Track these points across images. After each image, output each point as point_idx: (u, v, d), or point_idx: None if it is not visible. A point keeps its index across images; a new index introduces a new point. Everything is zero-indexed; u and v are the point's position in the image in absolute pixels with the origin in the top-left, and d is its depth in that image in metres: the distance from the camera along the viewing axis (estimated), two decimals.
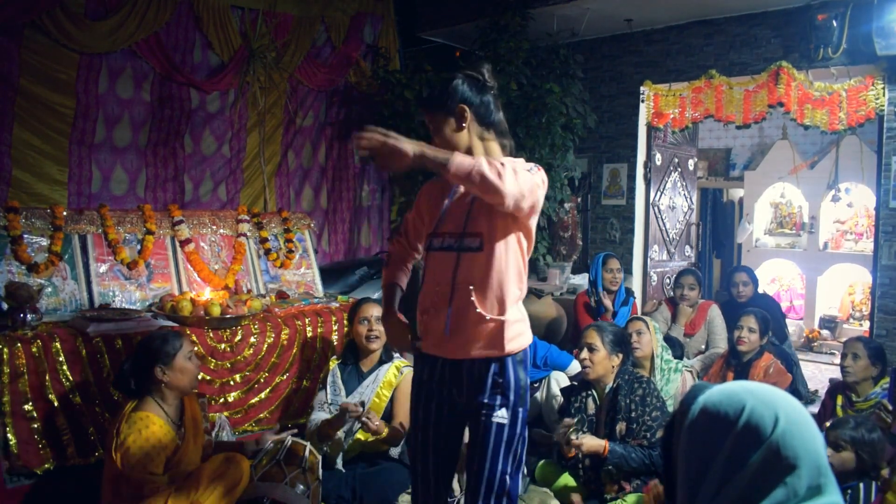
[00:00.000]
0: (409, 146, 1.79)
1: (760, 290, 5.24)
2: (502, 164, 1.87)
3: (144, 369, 2.52)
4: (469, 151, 2.02)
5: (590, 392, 3.04)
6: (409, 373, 3.13)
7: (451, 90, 2.02)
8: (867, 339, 3.76)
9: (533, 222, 2.05)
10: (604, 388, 2.99)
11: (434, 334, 2.04)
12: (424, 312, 2.07)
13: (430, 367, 2.09)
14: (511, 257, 2.00)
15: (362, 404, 2.93)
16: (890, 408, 3.08)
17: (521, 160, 2.03)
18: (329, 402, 3.08)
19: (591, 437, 2.83)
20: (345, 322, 3.70)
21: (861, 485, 2.49)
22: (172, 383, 2.54)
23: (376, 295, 4.75)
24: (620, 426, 2.89)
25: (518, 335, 2.03)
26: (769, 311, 4.20)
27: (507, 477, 2.02)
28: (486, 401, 1.99)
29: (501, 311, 1.98)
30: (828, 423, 2.76)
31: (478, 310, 1.96)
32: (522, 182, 1.88)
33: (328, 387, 3.13)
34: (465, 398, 2.04)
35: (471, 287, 1.96)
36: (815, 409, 3.77)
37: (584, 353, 2.97)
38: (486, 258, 1.97)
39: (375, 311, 3.16)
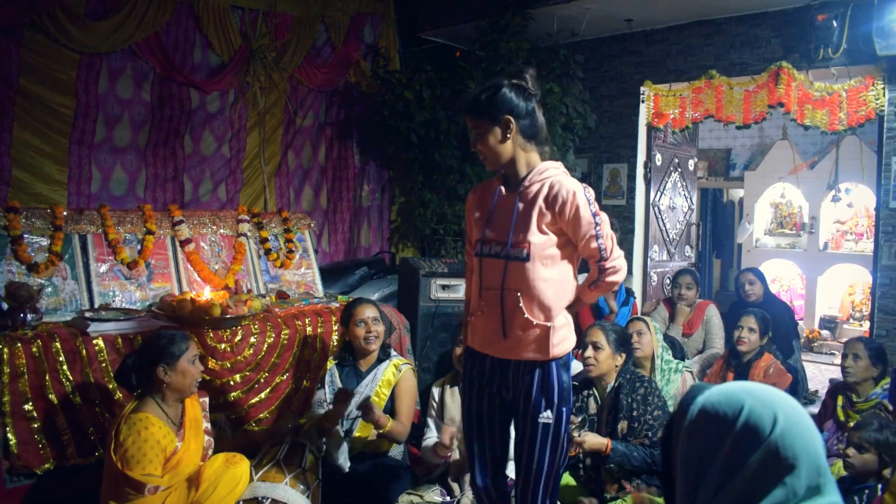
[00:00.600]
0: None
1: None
2: (607, 244, 2.03)
3: (147, 366, 2.53)
4: (512, 162, 2.11)
5: (591, 391, 3.04)
6: (406, 371, 3.13)
7: (499, 100, 2.05)
8: (868, 339, 3.75)
9: None
10: (605, 388, 2.98)
11: (484, 335, 2.14)
12: (474, 314, 2.17)
13: (480, 365, 2.19)
14: (558, 267, 2.06)
15: (366, 399, 2.94)
16: (890, 408, 3.08)
17: (573, 182, 2.12)
18: (327, 401, 3.08)
19: (593, 435, 2.82)
20: None
21: (879, 486, 2.50)
22: (173, 385, 2.54)
23: (376, 295, 4.75)
24: (622, 425, 2.88)
25: (563, 340, 2.11)
26: (780, 318, 4.09)
27: (554, 471, 2.14)
28: (532, 402, 2.09)
29: (548, 317, 2.06)
30: (851, 424, 2.77)
31: (525, 315, 2.04)
32: (611, 237, 2.06)
33: (327, 386, 3.12)
34: (511, 396, 2.15)
35: (518, 293, 2.04)
36: (815, 409, 3.77)
37: (589, 351, 2.97)
38: (532, 268, 2.03)
39: (371, 312, 3.14)
